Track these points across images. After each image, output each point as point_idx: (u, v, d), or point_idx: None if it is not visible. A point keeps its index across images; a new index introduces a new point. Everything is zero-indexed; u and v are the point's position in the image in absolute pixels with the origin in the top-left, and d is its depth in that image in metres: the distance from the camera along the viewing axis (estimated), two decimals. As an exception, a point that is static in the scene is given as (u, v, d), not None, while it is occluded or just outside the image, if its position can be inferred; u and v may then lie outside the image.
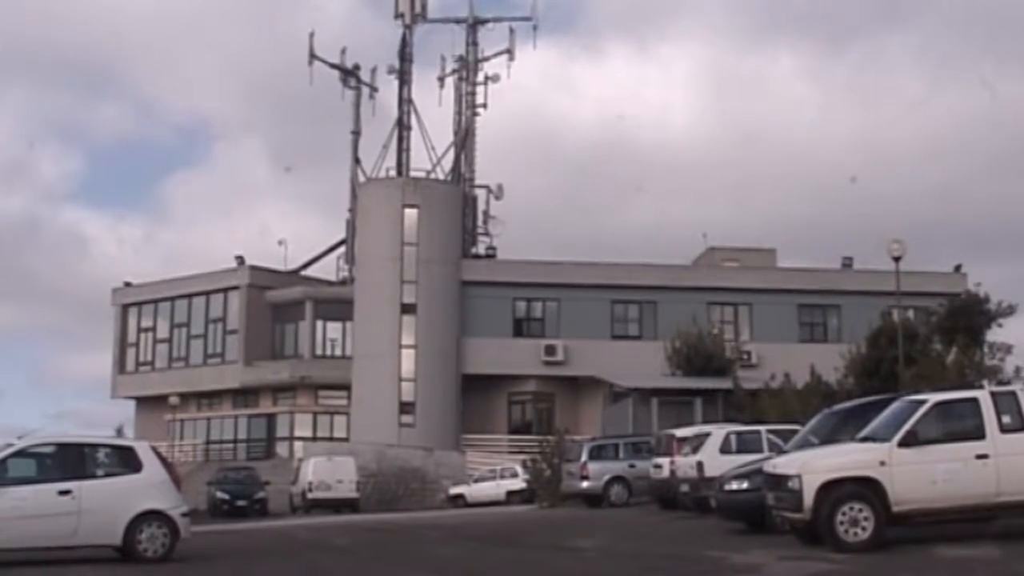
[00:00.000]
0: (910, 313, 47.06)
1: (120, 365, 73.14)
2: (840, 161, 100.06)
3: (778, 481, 18.73)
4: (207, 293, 69.91)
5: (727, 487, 23.11)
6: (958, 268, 61.89)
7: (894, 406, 19.21)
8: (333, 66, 68.27)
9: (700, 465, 28.80)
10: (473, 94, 67.32)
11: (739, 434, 29.64)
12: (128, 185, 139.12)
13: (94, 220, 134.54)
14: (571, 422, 55.57)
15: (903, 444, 17.76)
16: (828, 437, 21.62)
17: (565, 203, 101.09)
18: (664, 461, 32.38)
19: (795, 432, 25.16)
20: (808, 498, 17.77)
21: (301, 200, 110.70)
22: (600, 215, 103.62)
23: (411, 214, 61.89)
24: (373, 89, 69.42)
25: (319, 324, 67.52)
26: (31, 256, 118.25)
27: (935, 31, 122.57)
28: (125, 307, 73.39)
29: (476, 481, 52.88)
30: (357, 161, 68.09)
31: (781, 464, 19.24)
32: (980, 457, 17.78)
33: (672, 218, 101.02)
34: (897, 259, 36.34)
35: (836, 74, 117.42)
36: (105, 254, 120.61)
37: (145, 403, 71.46)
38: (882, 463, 17.70)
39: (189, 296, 70.63)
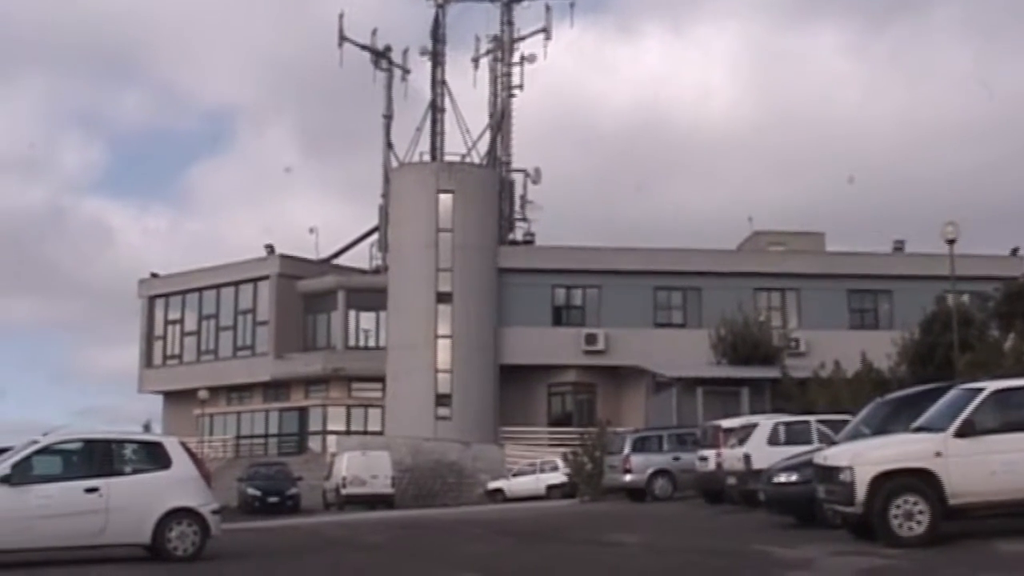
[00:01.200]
0: (965, 298, 46.70)
1: (147, 359, 73.50)
2: (886, 140, 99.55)
3: (829, 473, 18.64)
4: (236, 283, 70.16)
5: (776, 480, 23.05)
6: (1015, 252, 61.52)
7: (950, 395, 19.08)
8: (364, 48, 68.37)
9: (747, 457, 28.74)
10: (509, 75, 67.27)
11: (788, 425, 29.58)
12: (152, 174, 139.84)
13: (118, 210, 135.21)
14: (613, 413, 55.70)
15: (960, 434, 17.61)
16: (880, 427, 21.52)
17: (604, 187, 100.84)
18: (710, 453, 32.34)
19: (846, 422, 25.06)
20: (860, 491, 17.65)
21: (332, 187, 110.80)
22: (640, 199, 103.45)
23: (446, 199, 61.96)
24: (405, 71, 69.54)
25: (352, 314, 67.64)
26: (54, 248, 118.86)
27: (979, 4, 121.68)
28: (152, 299, 73.72)
29: (515, 475, 52.95)
30: (389, 145, 68.16)
31: (832, 455, 19.15)
32: (1041, 447, 17.61)
33: (715, 202, 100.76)
34: (951, 242, 36.07)
35: (879, 50, 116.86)
36: (130, 245, 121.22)
37: (173, 398, 71.82)
38: (938, 454, 17.56)
39: (217, 287, 70.90)
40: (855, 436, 21.91)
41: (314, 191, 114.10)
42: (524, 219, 66.93)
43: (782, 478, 22.85)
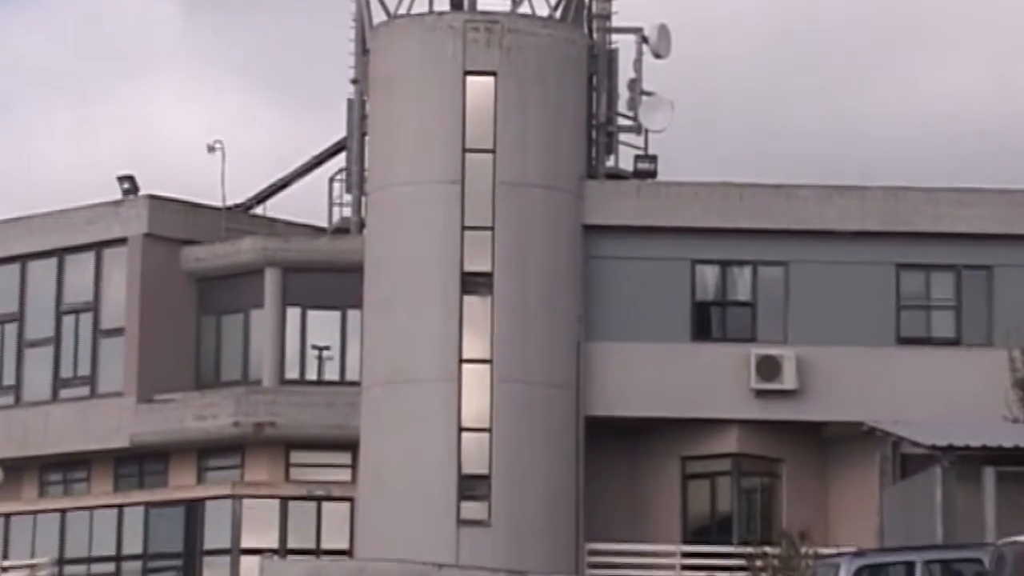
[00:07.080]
0: None
1: None
2: None
3: None
4: (60, 252, 70.40)
5: None
6: None
7: None
8: None
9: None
10: None
11: None
12: None
13: None
14: (814, 517, 55.84)
15: None
16: None
17: (787, 70, 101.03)
18: (1011, 603, 32.03)
19: None
20: None
21: (251, 67, 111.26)
22: (858, 95, 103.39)
23: (481, 88, 61.87)
24: None
25: (292, 315, 67.59)
26: None
27: None
28: None
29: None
30: (368, -20, 68.11)
31: None
32: None
33: (1005, 103, 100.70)
34: None
35: None
36: None
37: (-67, 479, 72.17)
38: None
39: (22, 259, 71.24)
40: None
41: (214, 74, 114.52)
42: (635, 127, 66.51)
43: None
